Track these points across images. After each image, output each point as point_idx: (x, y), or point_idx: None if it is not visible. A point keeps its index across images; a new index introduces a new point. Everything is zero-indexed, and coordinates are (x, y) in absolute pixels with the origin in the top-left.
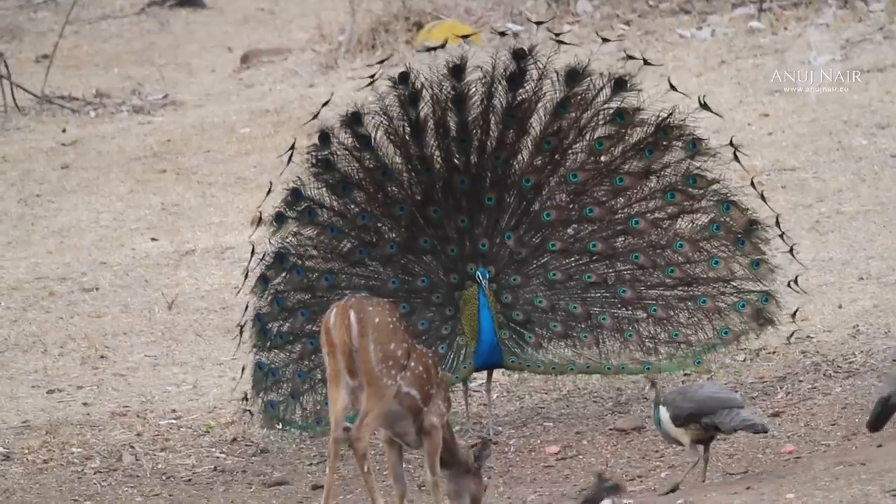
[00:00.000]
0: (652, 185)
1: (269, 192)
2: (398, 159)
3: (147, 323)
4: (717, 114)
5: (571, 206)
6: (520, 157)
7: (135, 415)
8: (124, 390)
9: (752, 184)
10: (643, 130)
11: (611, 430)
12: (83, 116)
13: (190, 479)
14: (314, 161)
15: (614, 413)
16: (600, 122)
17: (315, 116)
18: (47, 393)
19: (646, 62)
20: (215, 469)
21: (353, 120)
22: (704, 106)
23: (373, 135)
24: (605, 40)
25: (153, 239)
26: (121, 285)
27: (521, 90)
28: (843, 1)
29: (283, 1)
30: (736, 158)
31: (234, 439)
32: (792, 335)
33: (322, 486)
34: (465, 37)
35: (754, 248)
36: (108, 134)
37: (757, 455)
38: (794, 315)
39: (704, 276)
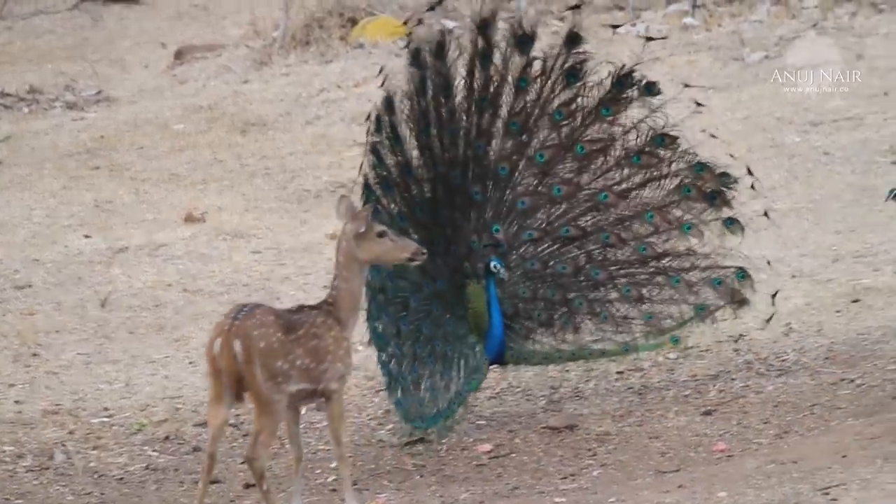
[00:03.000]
0: (617, 152)
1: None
2: (416, 153)
3: (80, 320)
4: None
5: (540, 188)
6: (495, 143)
7: (67, 413)
8: (56, 388)
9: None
10: (598, 89)
11: (543, 428)
12: (16, 112)
13: (122, 478)
14: (372, 150)
15: (546, 411)
16: (557, 90)
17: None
18: None
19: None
20: (147, 467)
21: (387, 108)
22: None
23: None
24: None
25: (86, 236)
26: (53, 282)
27: (491, 67)
28: None
29: None
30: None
31: (167, 437)
32: (770, 318)
33: (254, 485)
34: (408, 36)
35: (726, 204)
36: (42, 130)
37: (689, 453)
38: (773, 297)
39: (677, 248)
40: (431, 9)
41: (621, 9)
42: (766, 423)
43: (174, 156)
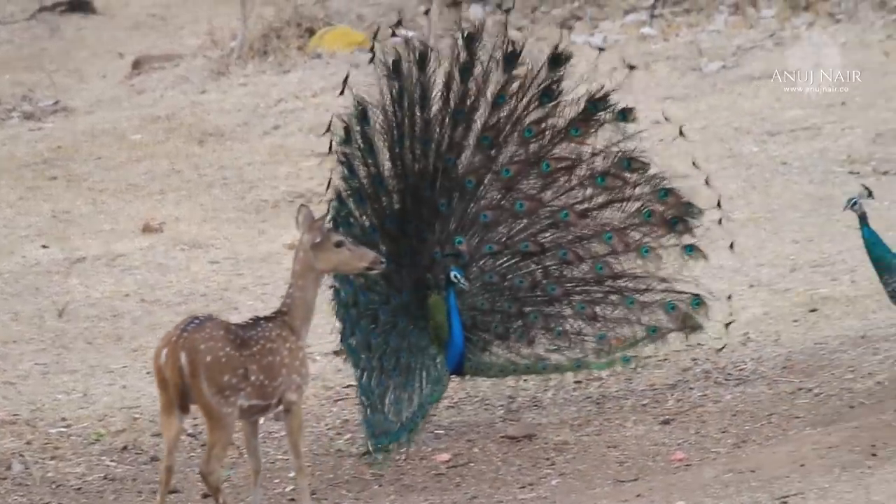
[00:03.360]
0: (582, 172)
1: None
2: (388, 164)
3: (37, 331)
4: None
5: (504, 203)
6: (464, 156)
7: (24, 423)
8: (14, 398)
9: (694, 163)
10: (571, 109)
11: (502, 437)
12: None
13: (80, 488)
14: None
15: (505, 421)
16: (531, 108)
17: None
18: None
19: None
20: (105, 477)
21: (361, 119)
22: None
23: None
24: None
25: (44, 246)
26: (11, 293)
27: (470, 80)
28: (734, 7)
29: (174, 7)
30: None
31: (125, 448)
32: (722, 348)
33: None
34: (371, 49)
35: (688, 231)
36: None
37: (647, 462)
38: (727, 326)
39: (633, 269)
40: (396, 26)
41: (578, 18)
42: (724, 432)
43: (132, 166)
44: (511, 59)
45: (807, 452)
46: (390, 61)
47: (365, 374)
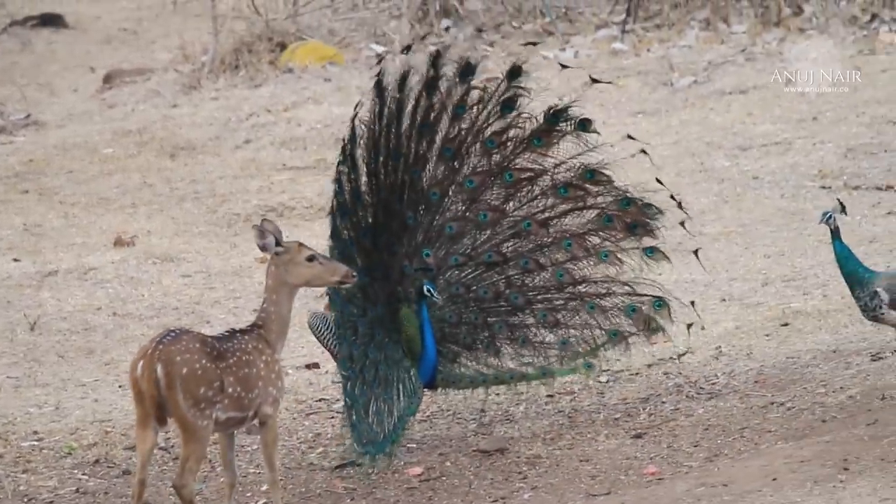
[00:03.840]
0: (545, 182)
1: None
2: (364, 179)
3: (9, 344)
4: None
5: (468, 214)
6: (428, 168)
7: None
8: None
9: (659, 181)
10: (532, 121)
11: (474, 451)
12: None
13: (52, 501)
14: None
15: (477, 434)
16: (492, 119)
17: None
18: None
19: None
20: (77, 491)
21: (351, 138)
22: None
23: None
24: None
25: (15, 259)
26: None
27: (435, 95)
28: (705, 23)
29: (145, 21)
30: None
31: (97, 461)
32: (685, 353)
33: None
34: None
35: (649, 234)
36: None
37: (619, 476)
38: (688, 327)
39: (594, 274)
40: (406, 51)
41: (551, 34)
42: (696, 446)
43: (103, 180)
44: (467, 72)
45: (779, 466)
46: (377, 80)
47: (349, 382)
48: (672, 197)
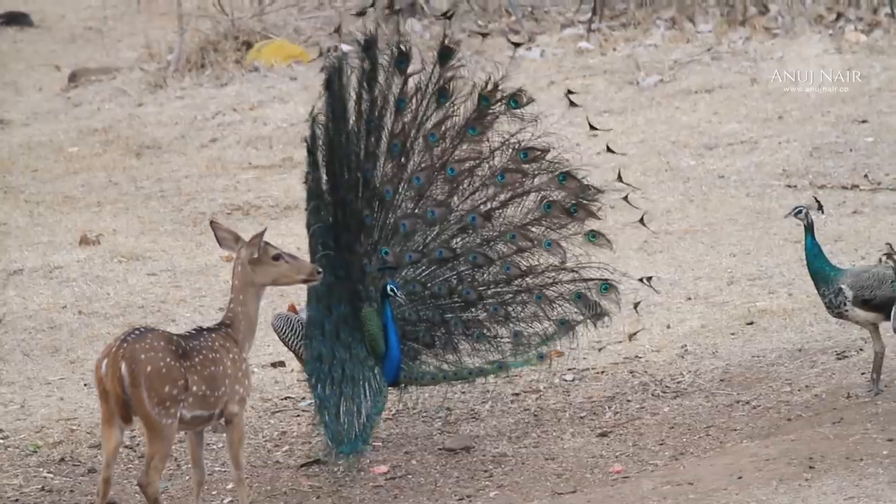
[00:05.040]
0: (484, 171)
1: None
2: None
3: None
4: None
5: (417, 211)
6: (378, 165)
7: None
8: None
9: (609, 148)
10: (464, 107)
11: (440, 449)
12: None
13: (17, 500)
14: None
15: (443, 433)
16: (430, 110)
17: None
18: None
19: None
20: (43, 489)
21: (312, 139)
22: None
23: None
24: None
25: None
26: None
27: (375, 87)
28: (671, 22)
29: (111, 20)
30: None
31: (62, 459)
32: (636, 333)
33: None
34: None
35: (588, 215)
36: None
37: (585, 475)
38: (636, 306)
39: (539, 264)
40: (335, 32)
41: (516, 32)
42: (661, 444)
43: (69, 178)
44: (402, 60)
45: (744, 465)
46: (325, 77)
47: (320, 383)
48: (625, 200)
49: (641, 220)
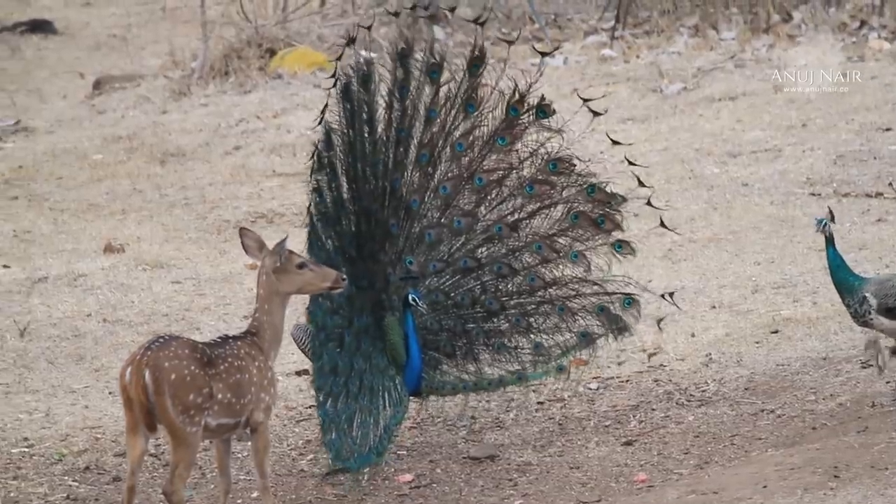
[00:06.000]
0: (512, 182)
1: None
2: (345, 186)
3: None
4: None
5: (443, 220)
6: (406, 174)
7: None
8: None
9: (628, 159)
10: (494, 118)
11: (464, 458)
12: None
13: None
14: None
15: (467, 441)
16: (458, 119)
17: None
18: None
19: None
20: (68, 497)
21: (326, 145)
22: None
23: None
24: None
25: (5, 266)
26: None
27: (407, 98)
28: (694, 29)
29: (135, 27)
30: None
31: (87, 468)
32: (654, 354)
33: None
34: (333, 75)
35: (615, 227)
36: None
37: (610, 483)
38: (659, 322)
39: (564, 276)
40: (349, 44)
41: (540, 40)
42: (686, 453)
43: (93, 186)
44: (435, 69)
45: (769, 474)
46: (343, 83)
47: (330, 400)
48: (649, 203)
49: (662, 223)
